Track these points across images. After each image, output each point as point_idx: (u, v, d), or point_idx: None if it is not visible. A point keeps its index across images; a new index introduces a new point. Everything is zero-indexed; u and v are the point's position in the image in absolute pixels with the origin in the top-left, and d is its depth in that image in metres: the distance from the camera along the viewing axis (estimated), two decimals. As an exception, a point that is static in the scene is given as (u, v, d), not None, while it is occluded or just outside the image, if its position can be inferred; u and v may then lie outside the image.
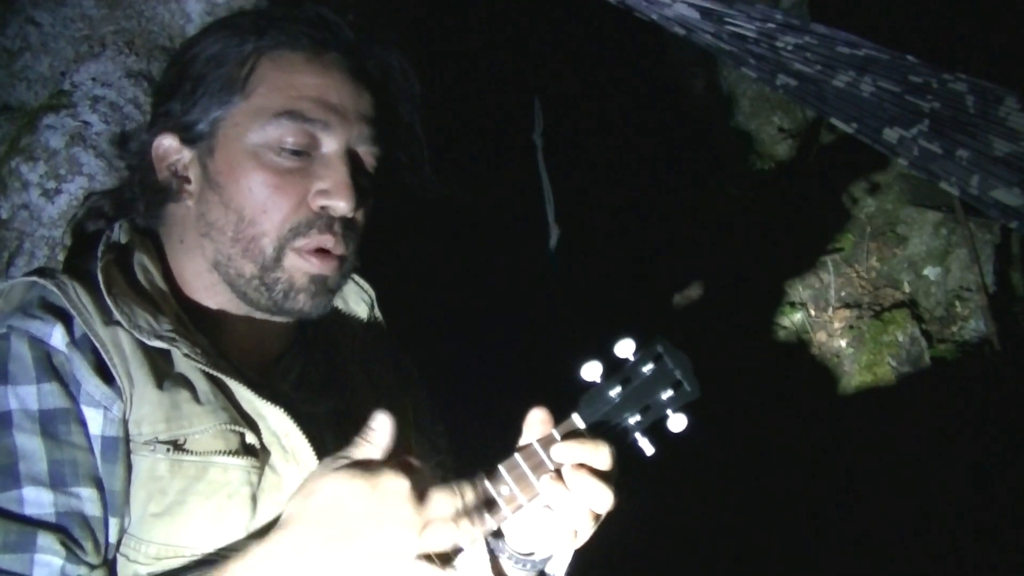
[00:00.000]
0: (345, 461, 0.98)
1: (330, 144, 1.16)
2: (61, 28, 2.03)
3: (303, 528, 0.95)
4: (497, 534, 1.20)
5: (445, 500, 0.98)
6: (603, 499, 1.07)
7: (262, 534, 1.06)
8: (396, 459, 1.00)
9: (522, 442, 1.12)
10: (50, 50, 2.03)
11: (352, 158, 1.17)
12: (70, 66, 2.02)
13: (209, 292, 1.20)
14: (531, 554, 1.21)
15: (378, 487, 0.95)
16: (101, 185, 1.89)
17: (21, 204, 1.92)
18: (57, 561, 0.98)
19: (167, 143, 1.19)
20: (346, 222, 1.17)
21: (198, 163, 1.18)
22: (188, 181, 1.19)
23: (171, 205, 1.21)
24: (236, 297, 1.19)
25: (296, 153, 1.14)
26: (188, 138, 1.18)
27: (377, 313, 1.37)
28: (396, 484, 0.96)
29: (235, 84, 1.15)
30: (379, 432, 1.01)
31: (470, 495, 1.01)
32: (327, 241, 1.16)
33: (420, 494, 0.97)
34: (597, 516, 1.10)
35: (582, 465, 1.08)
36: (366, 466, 0.97)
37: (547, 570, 1.24)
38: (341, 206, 1.14)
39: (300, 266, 1.15)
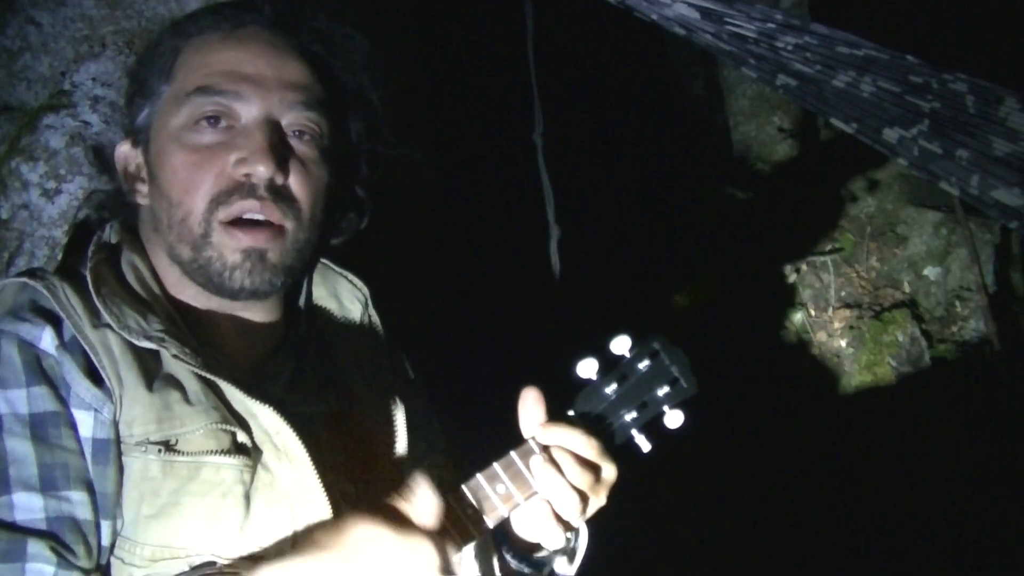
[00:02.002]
0: (385, 514, 1.00)
1: (248, 113, 1.14)
2: (61, 28, 2.03)
3: (325, 556, 0.97)
4: (501, 534, 1.20)
5: None
6: (577, 475, 1.09)
7: (258, 533, 1.06)
8: (436, 526, 1.02)
9: (519, 439, 1.12)
10: (50, 50, 2.03)
11: (274, 126, 1.15)
12: (70, 66, 2.02)
13: (180, 287, 1.19)
14: (535, 552, 1.21)
15: (411, 549, 0.98)
16: (101, 185, 1.89)
17: (21, 204, 1.92)
18: (48, 568, 0.97)
19: (124, 149, 1.22)
20: (275, 188, 1.13)
21: (144, 161, 1.20)
22: (143, 181, 1.20)
23: (138, 208, 1.22)
24: (199, 287, 1.17)
25: (214, 128, 1.14)
26: (136, 140, 1.21)
27: (372, 312, 1.36)
28: (428, 554, 0.99)
29: (162, 76, 1.17)
30: (421, 497, 1.02)
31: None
32: (251, 207, 1.12)
33: (447, 569, 1.00)
34: (582, 500, 1.10)
35: (564, 449, 1.09)
36: (408, 525, 0.99)
37: (555, 567, 1.24)
38: (260, 170, 1.12)
39: (227, 242, 1.13)
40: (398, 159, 1.32)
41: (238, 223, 1.13)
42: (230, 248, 1.13)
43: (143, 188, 1.20)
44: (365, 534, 0.98)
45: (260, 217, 1.13)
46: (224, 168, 1.13)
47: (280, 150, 1.14)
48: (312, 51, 1.21)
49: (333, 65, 1.23)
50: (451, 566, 1.00)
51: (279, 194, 1.14)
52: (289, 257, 1.17)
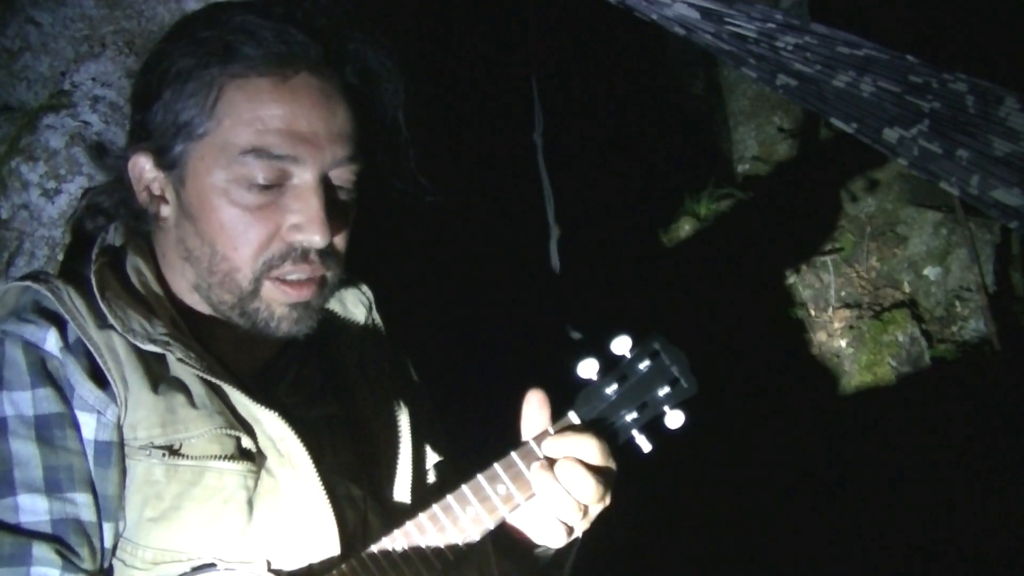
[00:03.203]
0: None
1: (301, 175, 1.12)
2: (61, 28, 2.03)
3: None
4: (497, 533, 1.21)
5: None
6: (590, 492, 1.08)
7: (260, 538, 1.06)
8: None
9: (520, 440, 1.12)
10: (50, 50, 2.03)
11: (326, 185, 1.14)
12: (70, 66, 2.02)
13: (188, 293, 1.19)
14: (531, 547, 1.21)
15: None
16: (100, 184, 1.88)
17: (21, 204, 1.92)
18: (54, 572, 0.98)
19: (142, 163, 1.16)
20: (323, 250, 1.14)
21: (172, 188, 1.16)
22: (166, 202, 1.17)
23: (153, 223, 1.20)
24: (221, 317, 1.18)
25: (267, 187, 1.11)
26: (162, 162, 1.15)
27: (375, 315, 1.36)
28: None
29: (203, 112, 1.11)
30: None
31: None
32: (303, 271, 1.14)
33: None
34: (586, 509, 1.10)
35: (571, 458, 1.08)
36: None
37: (549, 568, 1.24)
38: (316, 240, 1.12)
39: (277, 297, 1.14)
40: (419, 197, 1.30)
41: (287, 280, 1.14)
42: (278, 302, 1.15)
43: (166, 210, 1.17)
44: None
45: (307, 277, 1.15)
46: (276, 231, 1.12)
47: (332, 213, 1.13)
48: (352, 86, 1.18)
49: (370, 99, 1.21)
50: None
51: (326, 254, 1.15)
52: (326, 299, 1.22)
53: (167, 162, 1.14)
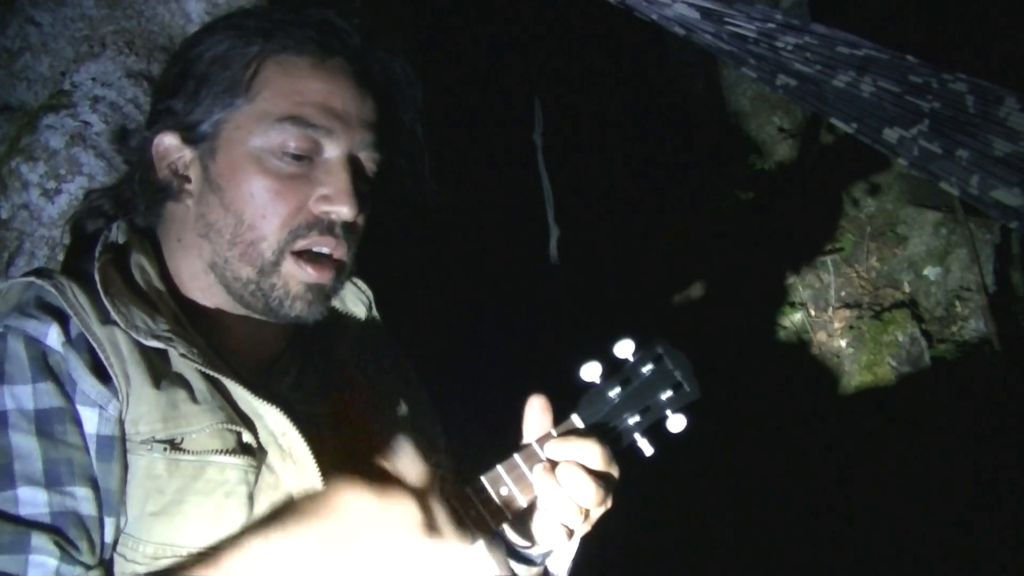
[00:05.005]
0: (366, 476, 0.98)
1: (332, 150, 1.16)
2: (61, 28, 2.03)
3: (304, 527, 0.94)
4: (498, 532, 1.21)
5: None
6: (591, 496, 1.08)
7: (257, 528, 1.06)
8: (419, 484, 1.00)
9: (522, 442, 1.12)
10: (50, 50, 2.03)
11: (354, 164, 1.18)
12: (70, 66, 2.02)
13: (206, 293, 1.20)
14: (531, 547, 1.21)
15: (392, 508, 0.96)
16: (101, 185, 1.88)
17: (21, 204, 1.92)
18: (52, 562, 0.98)
19: (168, 141, 1.19)
20: (347, 226, 1.17)
21: (199, 163, 1.18)
22: (188, 180, 1.19)
23: (170, 204, 1.21)
24: (232, 299, 1.19)
25: (298, 158, 1.15)
26: (190, 138, 1.18)
27: (375, 314, 1.37)
28: (410, 512, 0.96)
29: (239, 86, 1.15)
30: (402, 457, 1.01)
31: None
32: (327, 243, 1.16)
33: (430, 526, 0.97)
34: (587, 513, 1.10)
35: (573, 462, 1.09)
36: (390, 485, 0.97)
37: (549, 566, 1.24)
38: (344, 212, 1.15)
39: (296, 274, 1.16)
40: (429, 199, 1.33)
41: (306, 255, 1.16)
42: (296, 280, 1.16)
43: (189, 188, 1.19)
44: (345, 499, 0.96)
45: (327, 252, 1.17)
46: (305, 202, 1.15)
47: (359, 190, 1.17)
48: (378, 84, 1.23)
49: (392, 102, 1.26)
50: (436, 523, 0.98)
51: (349, 231, 1.18)
52: (340, 286, 1.24)
53: (196, 137, 1.17)
